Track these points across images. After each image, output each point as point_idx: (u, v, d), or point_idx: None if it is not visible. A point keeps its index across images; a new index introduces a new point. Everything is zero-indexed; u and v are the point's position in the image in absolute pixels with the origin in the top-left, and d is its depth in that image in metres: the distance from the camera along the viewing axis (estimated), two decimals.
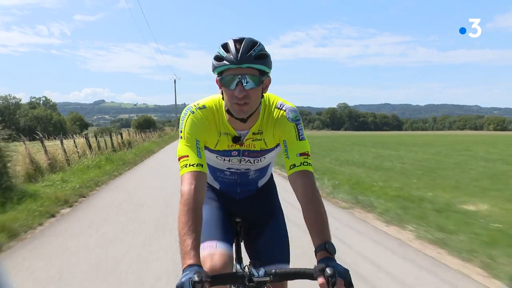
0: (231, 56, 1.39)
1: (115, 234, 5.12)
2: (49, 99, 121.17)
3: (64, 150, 12.31)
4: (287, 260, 1.77)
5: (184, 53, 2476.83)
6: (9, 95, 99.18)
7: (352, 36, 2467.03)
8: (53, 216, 6.30)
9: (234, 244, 1.85)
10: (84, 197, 8.06)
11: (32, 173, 9.09)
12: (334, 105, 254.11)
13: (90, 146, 14.59)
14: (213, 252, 1.63)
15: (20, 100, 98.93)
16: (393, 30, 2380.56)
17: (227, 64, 1.40)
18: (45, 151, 10.81)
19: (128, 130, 37.06)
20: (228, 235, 1.78)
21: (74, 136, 14.93)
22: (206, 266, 1.57)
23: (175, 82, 74.07)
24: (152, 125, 74.87)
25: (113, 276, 3.63)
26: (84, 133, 19.81)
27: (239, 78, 1.40)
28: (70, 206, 7.08)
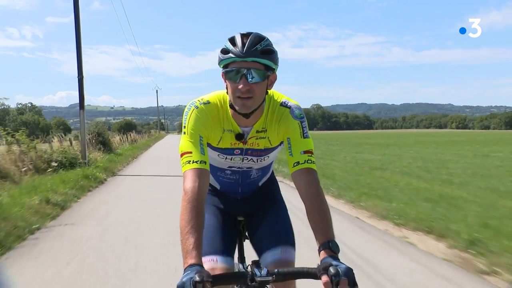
0: (237, 49, 1.39)
1: (153, 161, 15.65)
2: (35, 105, 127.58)
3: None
4: (292, 242, 1.73)
5: (160, 55, 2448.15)
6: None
7: (328, 37, 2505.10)
8: (134, 158, 16.80)
9: (236, 244, 1.85)
10: (137, 156, 18.48)
11: (116, 146, 19.38)
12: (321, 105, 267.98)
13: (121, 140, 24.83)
14: (213, 267, 1.58)
15: (8, 107, 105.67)
16: (368, 31, 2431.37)
17: (233, 57, 1.39)
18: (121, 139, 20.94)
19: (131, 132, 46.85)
20: (229, 247, 1.75)
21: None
22: None
23: (157, 92, 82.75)
24: (134, 128, 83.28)
25: (156, 164, 13.88)
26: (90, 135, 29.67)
27: (243, 72, 1.39)
28: (135, 157, 17.53)
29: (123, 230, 5.07)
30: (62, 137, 14.45)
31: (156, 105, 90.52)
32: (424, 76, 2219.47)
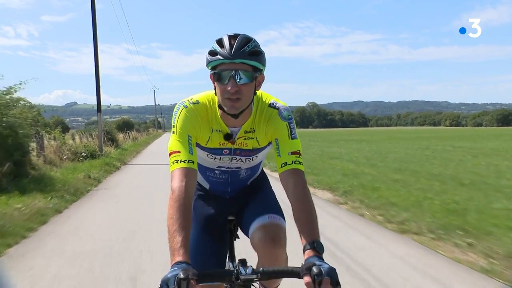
0: (225, 51, 1.40)
1: (152, 155, 18.62)
2: (33, 104, 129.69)
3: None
4: (280, 213, 1.78)
5: (157, 54, 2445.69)
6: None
7: (325, 34, 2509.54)
8: (138, 153, 19.85)
9: (227, 243, 1.85)
10: (140, 151, 21.49)
11: (121, 143, 22.43)
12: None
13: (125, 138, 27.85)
14: None
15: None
16: (365, 28, 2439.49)
17: (221, 59, 1.40)
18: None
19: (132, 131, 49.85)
20: (220, 260, 1.80)
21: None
22: None
23: (154, 93, 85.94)
24: (131, 127, 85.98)
25: (155, 157, 17.14)
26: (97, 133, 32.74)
27: (232, 73, 1.40)
28: (139, 152, 20.61)
29: (139, 191, 8.25)
30: (83, 134, 17.59)
31: (153, 104, 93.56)
32: (421, 74, 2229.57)
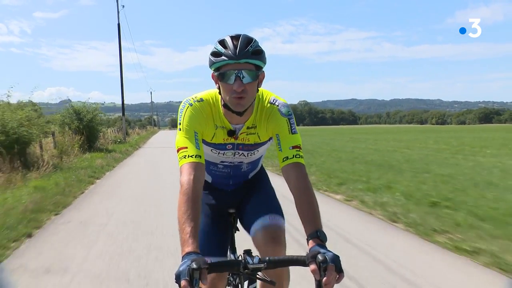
0: (230, 52, 1.45)
1: (155, 143, 28.26)
2: (34, 103, 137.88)
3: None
4: (280, 212, 1.87)
5: (151, 51, 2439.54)
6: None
7: (319, 32, 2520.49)
8: (138, 149, 29.13)
9: (229, 238, 1.93)
10: (145, 142, 30.93)
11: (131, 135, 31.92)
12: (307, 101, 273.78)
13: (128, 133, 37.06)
14: None
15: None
16: (358, 26, 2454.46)
17: (226, 60, 1.45)
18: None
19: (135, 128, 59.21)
20: (223, 246, 1.87)
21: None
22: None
23: (151, 94, 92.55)
24: (129, 124, 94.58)
25: (156, 145, 26.35)
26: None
27: (237, 73, 1.45)
28: (145, 142, 30.10)
29: (152, 159, 17.11)
30: (113, 130, 27.10)
31: (148, 102, 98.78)
32: (414, 72, 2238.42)
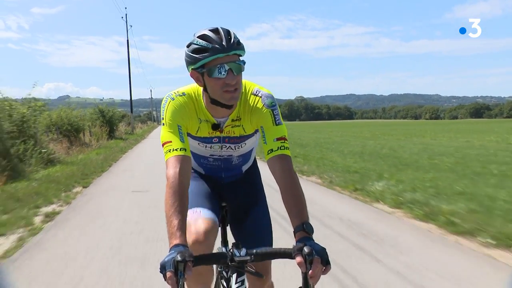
0: (217, 46, 1.40)
1: (157, 134, 34.15)
2: (37, 100, 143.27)
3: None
4: (270, 243, 1.83)
5: (148, 47, 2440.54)
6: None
7: (317, 27, 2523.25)
8: (144, 138, 35.37)
9: (220, 226, 1.86)
10: (149, 134, 37.32)
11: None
12: (304, 96, 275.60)
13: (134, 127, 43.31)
14: (196, 217, 1.67)
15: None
16: (357, 21, 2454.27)
17: (215, 54, 1.40)
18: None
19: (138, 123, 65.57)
20: (213, 204, 1.82)
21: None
22: (190, 230, 1.60)
23: (151, 92, 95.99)
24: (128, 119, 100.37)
25: (158, 136, 32.53)
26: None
27: (229, 66, 1.42)
28: (149, 133, 36.96)
29: (154, 144, 23.18)
30: (122, 124, 33.38)
31: (146, 97, 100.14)
32: (413, 67, 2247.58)
